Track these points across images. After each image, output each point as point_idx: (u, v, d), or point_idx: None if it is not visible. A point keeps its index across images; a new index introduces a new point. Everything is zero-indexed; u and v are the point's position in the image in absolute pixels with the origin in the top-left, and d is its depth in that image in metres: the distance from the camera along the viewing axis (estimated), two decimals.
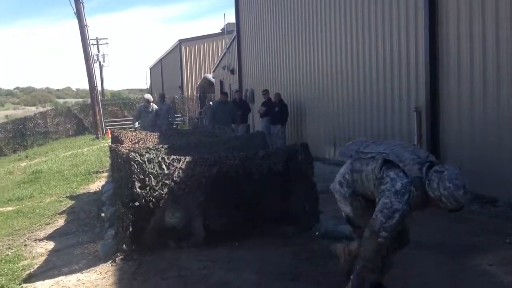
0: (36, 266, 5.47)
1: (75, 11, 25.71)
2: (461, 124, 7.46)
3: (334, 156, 11.60)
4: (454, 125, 7.62)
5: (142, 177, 4.96)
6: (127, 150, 5.52)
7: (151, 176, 4.98)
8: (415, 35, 8.40)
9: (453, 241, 5.20)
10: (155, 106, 14.09)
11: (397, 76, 9.03)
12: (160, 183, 5.01)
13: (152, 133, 9.75)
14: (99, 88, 37.20)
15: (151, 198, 4.96)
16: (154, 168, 5.00)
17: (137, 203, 4.92)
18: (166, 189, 5.03)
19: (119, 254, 5.06)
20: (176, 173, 5.08)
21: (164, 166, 5.06)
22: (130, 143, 8.25)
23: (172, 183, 5.04)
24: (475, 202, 6.79)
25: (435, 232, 5.54)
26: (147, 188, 4.96)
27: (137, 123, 14.48)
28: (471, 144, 7.27)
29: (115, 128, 28.88)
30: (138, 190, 4.91)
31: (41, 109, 49.63)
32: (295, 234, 5.45)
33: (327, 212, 5.74)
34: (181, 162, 5.14)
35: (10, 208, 9.49)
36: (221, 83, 25.25)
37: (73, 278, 4.84)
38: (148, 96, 14.92)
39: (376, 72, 9.78)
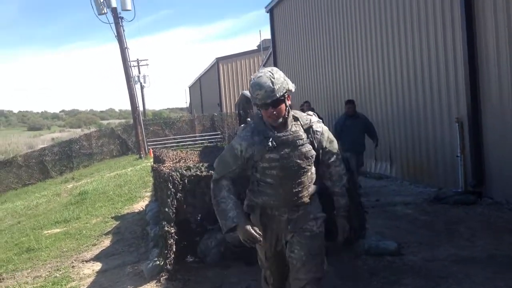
0: None
1: (115, 34, 26.44)
2: (505, 133, 7.24)
3: (375, 170, 11.45)
4: (497, 134, 7.41)
5: (181, 195, 5.01)
6: (168, 170, 5.60)
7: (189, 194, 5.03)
8: (453, 45, 8.26)
9: (503, 254, 5.04)
10: None
11: (437, 87, 8.88)
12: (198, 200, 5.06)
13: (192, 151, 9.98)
14: (141, 108, 37.88)
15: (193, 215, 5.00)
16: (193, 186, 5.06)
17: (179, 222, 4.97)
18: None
19: (163, 274, 5.10)
20: None
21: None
22: (171, 162, 8.35)
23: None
24: None
25: (484, 245, 5.39)
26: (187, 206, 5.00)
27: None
28: None
29: (157, 147, 29.37)
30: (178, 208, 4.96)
31: (85, 131, 50.96)
32: (338, 250, 5.37)
33: (369, 227, 5.64)
34: None
35: (57, 230, 9.75)
36: None
37: None
38: None
39: (415, 84, 9.64)
